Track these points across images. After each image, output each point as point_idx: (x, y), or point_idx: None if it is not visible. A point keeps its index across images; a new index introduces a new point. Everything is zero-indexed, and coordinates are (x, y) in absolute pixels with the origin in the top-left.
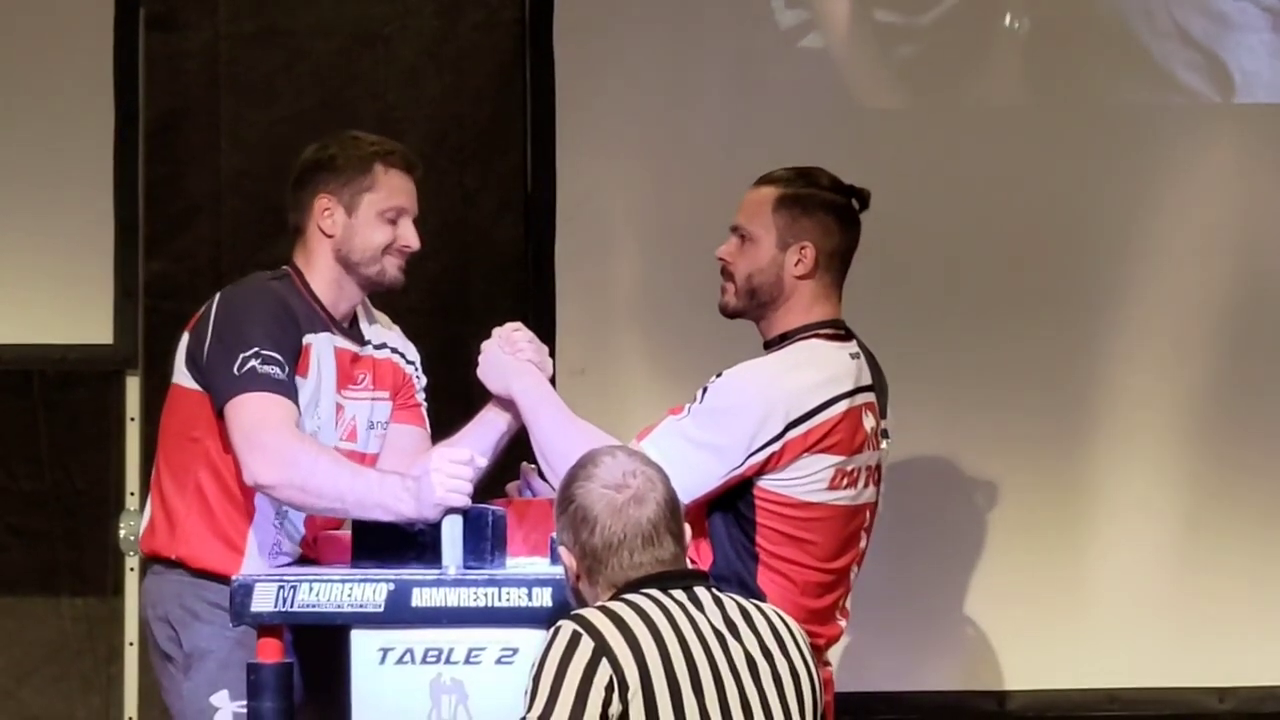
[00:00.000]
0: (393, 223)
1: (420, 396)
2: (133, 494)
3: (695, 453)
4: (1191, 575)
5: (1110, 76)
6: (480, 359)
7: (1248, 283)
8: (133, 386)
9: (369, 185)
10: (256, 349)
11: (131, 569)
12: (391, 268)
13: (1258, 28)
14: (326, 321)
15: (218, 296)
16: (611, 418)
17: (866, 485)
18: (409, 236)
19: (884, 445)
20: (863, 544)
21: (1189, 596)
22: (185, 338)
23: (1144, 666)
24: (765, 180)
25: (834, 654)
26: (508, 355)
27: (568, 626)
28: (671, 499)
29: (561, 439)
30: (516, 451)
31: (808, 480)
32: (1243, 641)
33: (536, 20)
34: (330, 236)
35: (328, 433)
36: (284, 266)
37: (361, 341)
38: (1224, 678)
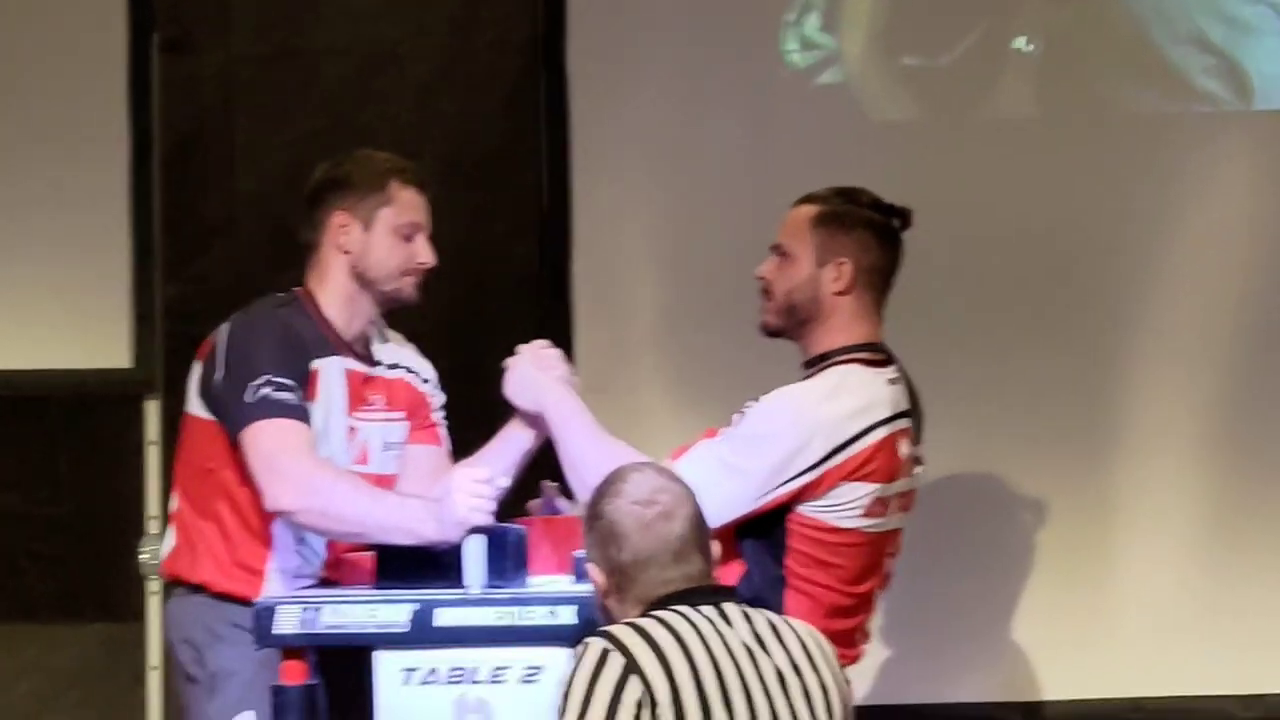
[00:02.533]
0: (408, 239)
1: (438, 415)
2: (153, 518)
3: (728, 477)
4: (1216, 585)
5: (1129, 85)
6: (508, 375)
7: (1272, 292)
8: (152, 410)
9: (385, 201)
10: (267, 376)
11: (153, 593)
12: (408, 285)
13: (1277, 31)
14: (336, 344)
15: (225, 327)
16: (630, 436)
17: (897, 511)
18: (425, 253)
19: (918, 471)
20: (887, 568)
21: (1214, 606)
22: (197, 368)
23: (1169, 675)
24: (806, 199)
25: (861, 668)
26: (538, 371)
27: (597, 643)
28: (699, 515)
29: (593, 455)
30: (538, 469)
31: (844, 507)
32: (1268, 650)
33: (550, 40)
34: (347, 253)
35: (340, 456)
36: (294, 290)
37: (373, 362)
38: (1249, 686)
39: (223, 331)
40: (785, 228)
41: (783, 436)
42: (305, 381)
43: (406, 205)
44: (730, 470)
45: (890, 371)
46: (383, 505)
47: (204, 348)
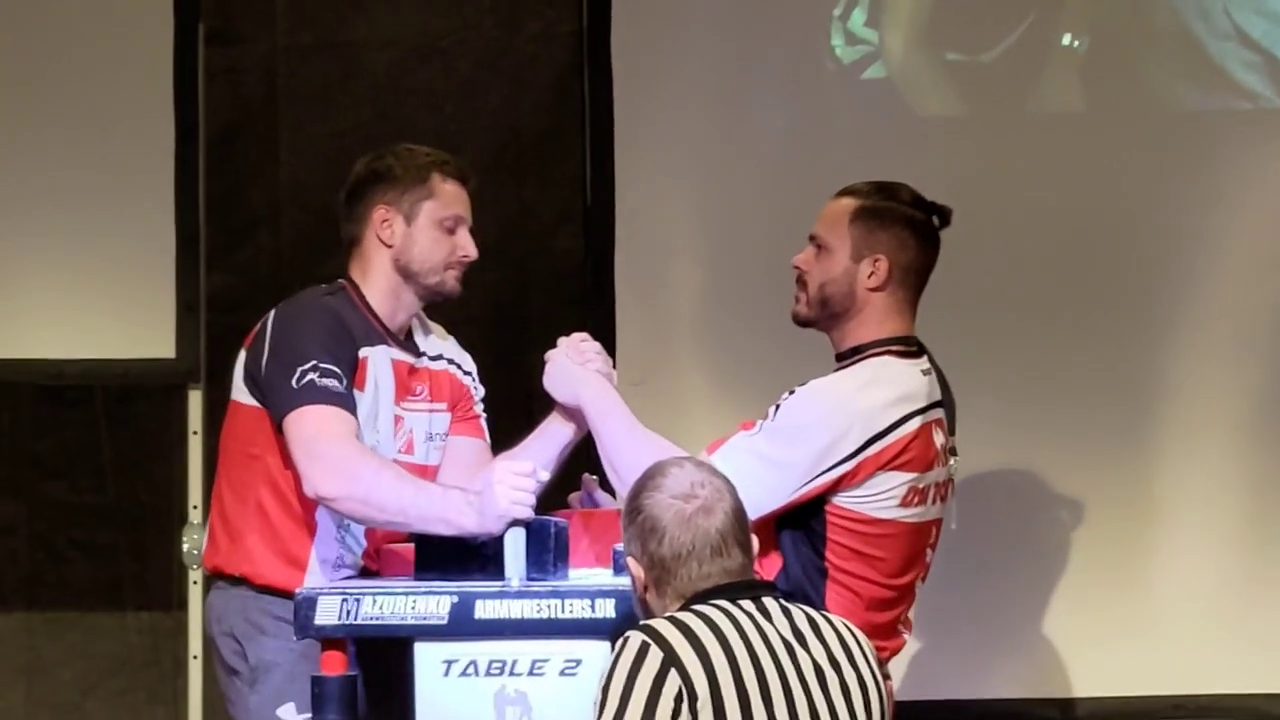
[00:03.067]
0: (451, 232)
1: (479, 408)
2: (195, 507)
3: (766, 469)
4: (1256, 582)
5: (1171, 81)
6: (547, 368)
7: None
8: (195, 400)
9: (427, 194)
10: (314, 362)
11: (195, 582)
12: (450, 278)
13: None
14: (382, 334)
15: (273, 313)
16: (670, 429)
17: (935, 502)
18: (467, 246)
19: (952, 462)
20: (928, 559)
21: (1253, 603)
22: (242, 354)
23: (1209, 673)
24: (846, 192)
25: (898, 663)
26: (576, 365)
27: (636, 637)
28: (739, 509)
29: (630, 449)
30: (578, 462)
31: (881, 497)
32: None
33: (594, 32)
34: (389, 246)
35: (386, 445)
36: (339, 280)
37: (418, 353)
38: None
39: (270, 318)
40: (823, 219)
41: (819, 427)
42: (353, 370)
43: (449, 198)
44: (768, 462)
45: (923, 362)
46: (424, 495)
47: (250, 335)
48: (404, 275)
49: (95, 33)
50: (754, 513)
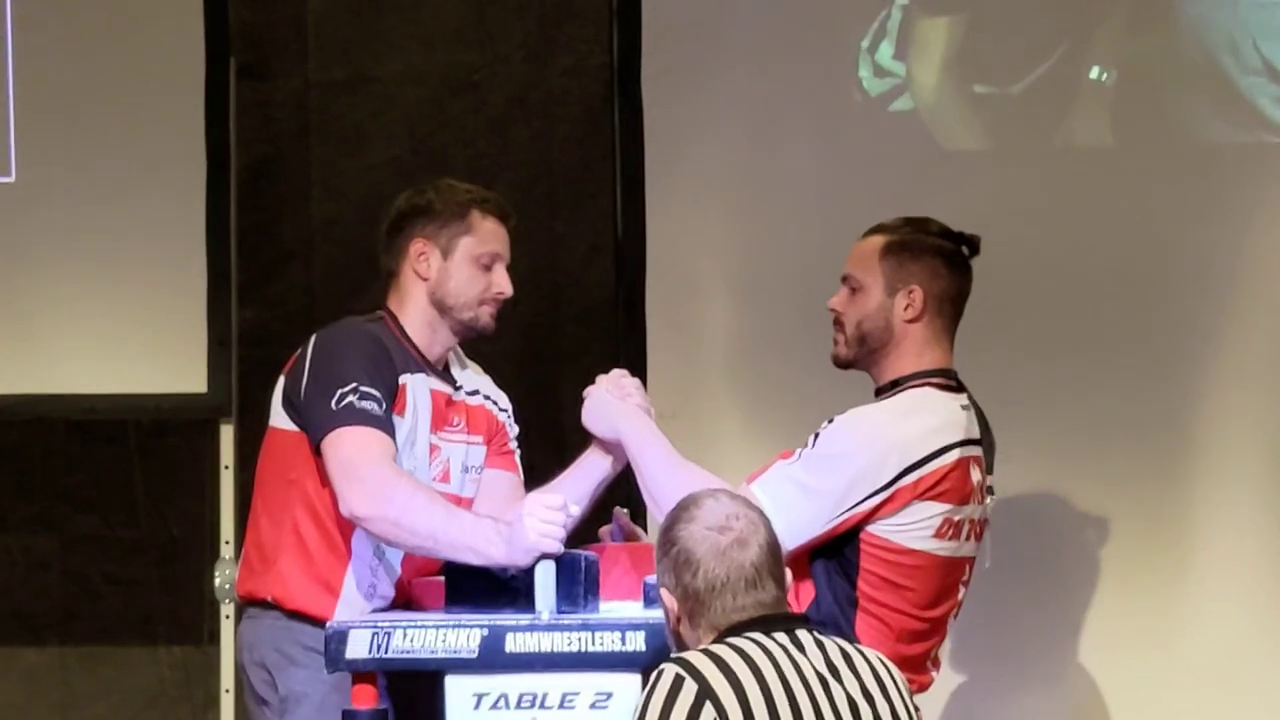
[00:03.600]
0: (487, 268)
1: (513, 444)
2: (228, 542)
3: (804, 498)
4: None
5: (1201, 114)
6: (586, 404)
7: None
8: (227, 434)
9: (465, 230)
10: (354, 385)
11: (227, 616)
12: (485, 314)
13: None
14: (421, 363)
15: (314, 338)
16: (702, 461)
17: (969, 538)
18: (503, 283)
19: (989, 501)
20: (960, 596)
21: None
22: (281, 380)
23: (1242, 709)
24: (875, 230)
25: (933, 700)
26: (616, 399)
27: (670, 669)
28: (773, 542)
29: (671, 481)
30: (610, 495)
31: (915, 527)
32: None
33: (624, 65)
34: (425, 280)
35: (422, 473)
36: (378, 311)
37: (455, 387)
38: None
39: (311, 343)
40: (853, 258)
41: (857, 455)
42: (393, 394)
43: (487, 235)
44: (805, 490)
45: (963, 398)
46: (456, 522)
47: (290, 361)
48: (439, 309)
49: (127, 67)
50: (792, 541)
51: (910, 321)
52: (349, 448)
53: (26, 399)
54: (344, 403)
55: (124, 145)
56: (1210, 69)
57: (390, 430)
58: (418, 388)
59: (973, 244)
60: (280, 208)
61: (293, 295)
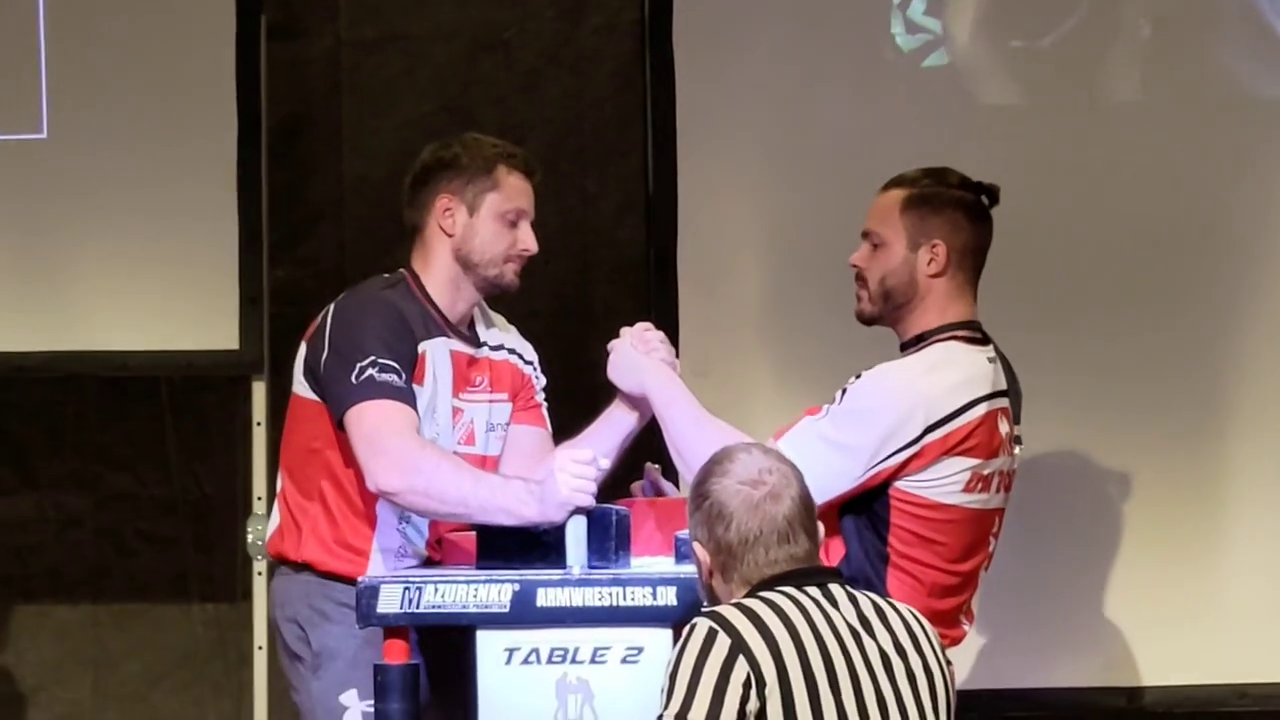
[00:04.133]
0: (513, 225)
1: (540, 397)
2: (260, 498)
3: (832, 454)
4: None
5: (1237, 67)
6: (611, 358)
7: None
8: (258, 391)
9: (492, 185)
10: (373, 357)
11: (259, 573)
12: (509, 272)
13: None
14: (442, 325)
15: (332, 307)
16: (733, 418)
17: (998, 490)
18: (528, 240)
19: (1017, 451)
20: (990, 547)
21: None
22: (302, 348)
23: (1276, 662)
24: (893, 183)
25: (964, 652)
26: (641, 354)
27: (703, 624)
28: (806, 496)
29: (696, 436)
30: (641, 451)
31: (944, 482)
32: None
33: (656, 23)
34: (450, 236)
35: (445, 437)
36: (400, 270)
37: (478, 344)
38: None
39: (329, 312)
40: (874, 213)
41: (885, 411)
42: (412, 365)
43: (513, 191)
44: (834, 446)
45: (989, 350)
46: (485, 486)
47: (310, 329)
48: (464, 265)
49: (158, 27)
50: (821, 497)
51: (934, 276)
52: (372, 422)
53: (59, 356)
54: (364, 376)
55: (155, 104)
56: (1249, 18)
57: (412, 401)
58: (437, 353)
59: (992, 194)
60: (311, 166)
61: (324, 253)
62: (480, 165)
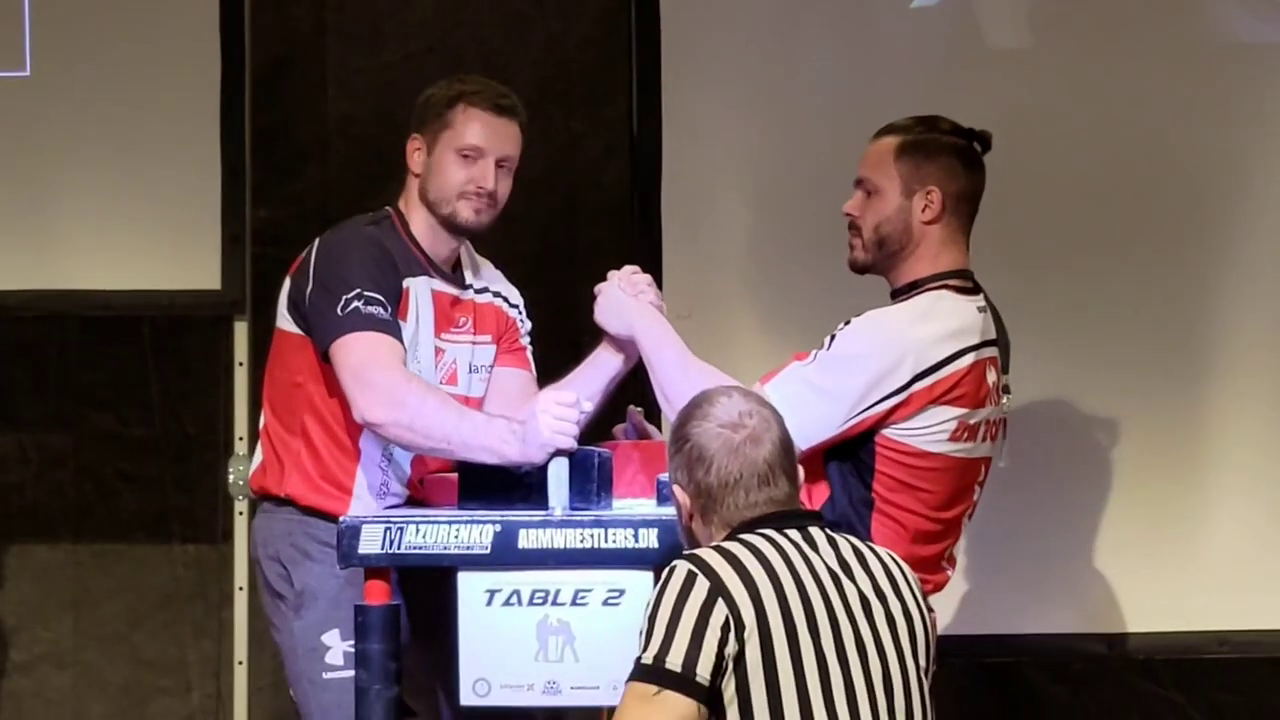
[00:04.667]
0: (468, 161)
1: (525, 340)
2: (241, 439)
3: (818, 399)
4: None
5: (1236, 13)
6: (599, 300)
7: None
8: (241, 331)
9: (447, 124)
10: (359, 290)
11: (240, 513)
12: (464, 210)
13: None
14: (425, 265)
15: (317, 242)
16: (716, 362)
17: (985, 439)
18: (483, 178)
19: (1005, 401)
20: (975, 496)
21: None
22: (286, 283)
23: (1256, 609)
24: (886, 130)
25: (947, 597)
26: (629, 296)
27: (683, 566)
28: (786, 440)
29: (683, 378)
30: (624, 394)
31: (931, 431)
32: None
33: None
34: (418, 176)
35: (427, 376)
36: (386, 208)
37: (463, 285)
38: None
39: (314, 247)
40: (867, 161)
41: (873, 358)
42: (397, 298)
43: (466, 128)
44: (819, 392)
45: (979, 299)
46: (469, 423)
47: (294, 264)
48: (428, 206)
49: None
50: (805, 443)
51: (928, 223)
52: (358, 354)
53: (41, 295)
54: (350, 309)
55: (139, 42)
56: None
57: (397, 333)
58: (420, 290)
59: (985, 140)
60: (296, 106)
61: (308, 194)
62: (442, 103)
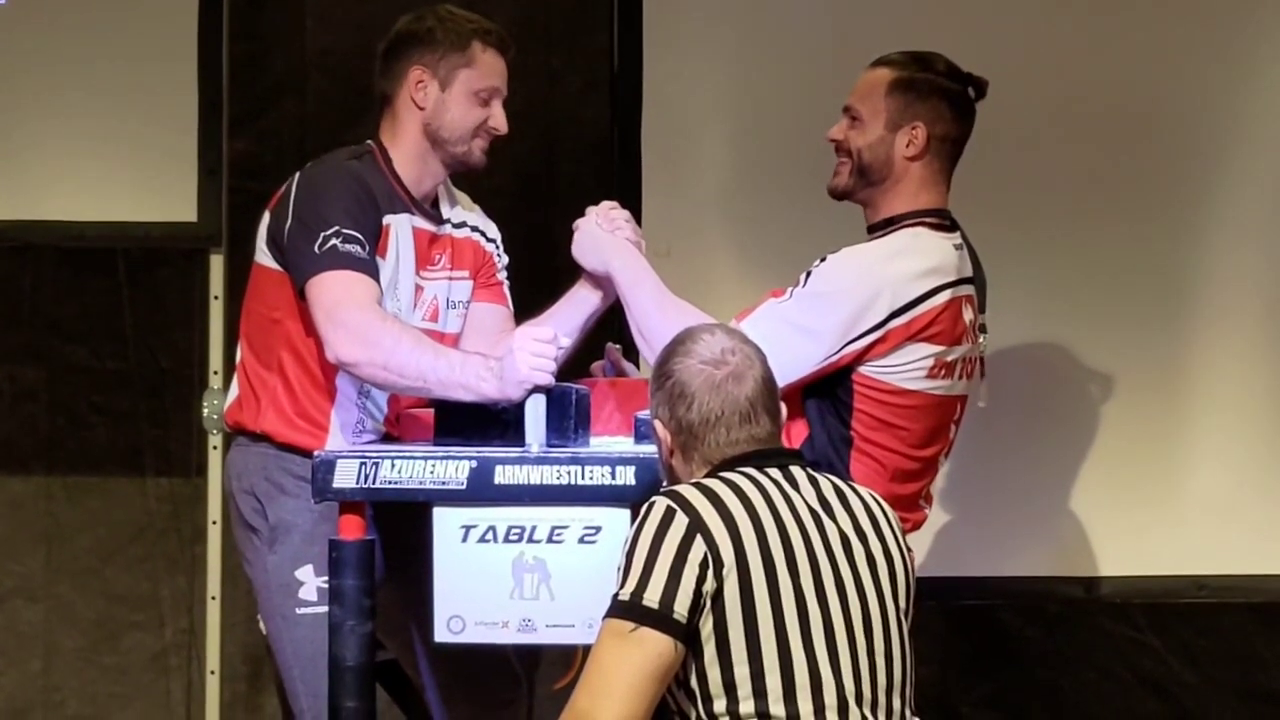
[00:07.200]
0: (485, 103)
1: (502, 275)
2: (216, 373)
3: (795, 336)
4: None
5: None
6: (576, 236)
7: None
8: (216, 265)
9: (466, 62)
10: (337, 228)
11: (215, 448)
12: (477, 149)
13: None
14: (406, 201)
15: (297, 176)
16: (695, 299)
17: (961, 377)
18: (499, 119)
19: (981, 339)
20: (952, 435)
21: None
22: (266, 217)
23: (1233, 554)
24: (881, 62)
25: (923, 538)
26: (606, 232)
27: (662, 503)
28: (769, 377)
29: (660, 317)
30: (603, 332)
31: (907, 368)
32: None
33: None
34: (421, 109)
35: (407, 314)
36: (367, 142)
37: (440, 221)
38: None
39: (294, 181)
40: (858, 91)
41: (849, 294)
42: (376, 236)
43: (487, 69)
44: (797, 329)
45: (955, 237)
46: (444, 361)
47: (274, 198)
48: (432, 140)
49: None
50: (782, 380)
51: (910, 159)
52: (333, 292)
53: (14, 225)
54: (327, 246)
55: None
56: None
57: (374, 273)
58: (400, 228)
59: (979, 86)
60: (274, 38)
61: (284, 127)
62: (455, 40)
